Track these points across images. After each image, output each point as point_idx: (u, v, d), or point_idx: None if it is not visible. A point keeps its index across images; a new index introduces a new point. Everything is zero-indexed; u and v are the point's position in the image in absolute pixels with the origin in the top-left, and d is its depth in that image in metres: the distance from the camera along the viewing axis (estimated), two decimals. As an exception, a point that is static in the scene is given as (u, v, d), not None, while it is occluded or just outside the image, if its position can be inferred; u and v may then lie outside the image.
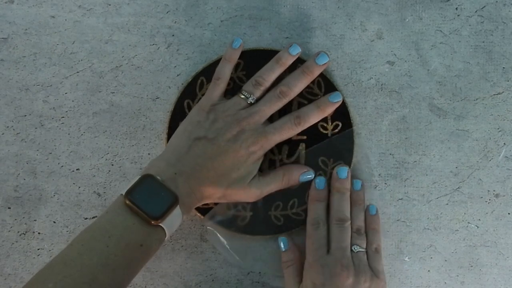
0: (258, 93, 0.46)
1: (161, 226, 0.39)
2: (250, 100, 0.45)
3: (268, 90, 0.47)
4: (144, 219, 0.39)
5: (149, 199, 0.39)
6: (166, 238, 0.41)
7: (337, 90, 0.49)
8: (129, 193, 0.39)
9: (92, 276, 0.36)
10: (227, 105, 0.45)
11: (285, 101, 0.46)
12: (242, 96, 0.45)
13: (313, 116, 0.47)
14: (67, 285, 0.35)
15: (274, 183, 0.46)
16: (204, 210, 0.49)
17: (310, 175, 0.48)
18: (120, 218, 0.39)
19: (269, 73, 0.46)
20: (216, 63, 0.49)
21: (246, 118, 0.44)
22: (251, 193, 0.45)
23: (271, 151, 0.49)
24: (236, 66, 0.49)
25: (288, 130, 0.45)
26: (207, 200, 0.45)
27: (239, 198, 0.45)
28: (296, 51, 0.47)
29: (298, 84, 0.46)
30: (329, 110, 0.47)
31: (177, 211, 0.40)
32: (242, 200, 0.46)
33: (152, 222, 0.39)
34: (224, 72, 0.47)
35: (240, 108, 0.45)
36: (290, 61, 0.47)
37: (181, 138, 0.44)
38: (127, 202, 0.39)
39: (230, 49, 0.47)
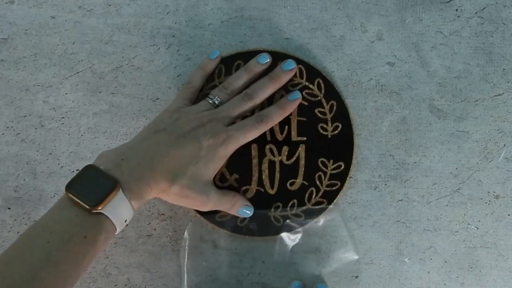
0: (223, 96, 0.46)
1: (105, 215, 0.38)
2: (215, 101, 0.46)
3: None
4: (84, 208, 0.38)
5: (88, 188, 0.38)
6: (118, 229, 0.39)
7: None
8: (69, 185, 0.38)
9: (33, 274, 0.35)
10: (192, 107, 0.45)
11: (250, 104, 0.46)
12: (209, 100, 0.46)
13: (275, 114, 0.46)
14: (6, 285, 0.35)
15: (225, 200, 0.46)
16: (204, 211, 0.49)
17: (249, 211, 0.48)
18: (63, 212, 0.38)
19: (236, 79, 0.47)
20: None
21: (207, 116, 0.44)
22: (206, 199, 0.44)
23: (271, 152, 0.49)
24: (237, 68, 0.49)
25: (250, 128, 0.45)
26: (164, 194, 0.42)
27: (193, 201, 0.44)
28: (264, 60, 0.48)
29: (264, 89, 0.46)
30: (289, 108, 0.47)
31: (119, 197, 0.38)
32: (194, 206, 0.45)
33: (93, 211, 0.38)
34: (196, 78, 0.48)
35: (204, 109, 0.45)
36: (258, 69, 0.48)
37: (141, 133, 0.44)
38: (68, 194, 0.38)
39: (206, 59, 0.49)
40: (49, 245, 0.36)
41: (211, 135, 0.43)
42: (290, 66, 0.47)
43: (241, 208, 0.47)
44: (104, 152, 0.42)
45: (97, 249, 0.38)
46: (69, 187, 0.38)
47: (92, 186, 0.38)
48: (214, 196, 0.45)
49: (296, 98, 0.47)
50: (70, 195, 0.38)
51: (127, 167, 0.40)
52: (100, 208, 0.38)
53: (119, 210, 0.39)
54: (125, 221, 0.40)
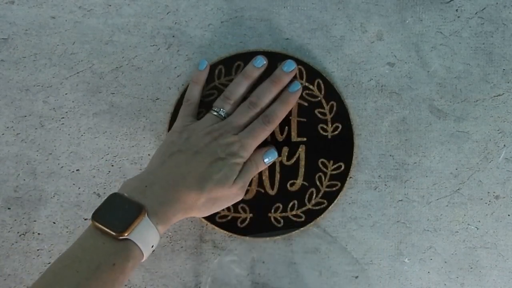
0: (227, 107, 0.46)
1: (132, 241, 0.38)
2: (221, 113, 0.46)
3: (240, 103, 0.47)
4: (111, 236, 0.38)
5: (113, 215, 0.38)
6: (145, 255, 0.39)
7: (297, 81, 0.49)
8: (95, 214, 0.39)
9: None
10: (199, 123, 0.46)
11: (256, 111, 0.46)
12: (214, 113, 0.46)
13: (279, 110, 0.46)
14: None
15: (251, 172, 0.46)
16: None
17: (271, 155, 0.47)
18: (90, 241, 0.38)
19: (236, 87, 0.47)
20: (216, 64, 0.49)
21: (217, 129, 0.44)
22: (236, 188, 0.44)
23: (271, 152, 0.49)
24: (237, 68, 0.49)
25: (260, 131, 0.45)
26: (193, 211, 0.43)
27: (225, 200, 0.44)
28: (260, 64, 0.47)
29: (267, 93, 0.47)
30: (292, 100, 0.47)
31: (145, 222, 0.38)
32: (229, 201, 0.45)
33: (120, 237, 0.37)
34: (193, 94, 0.48)
35: (213, 123, 0.45)
36: (256, 73, 0.47)
37: (156, 157, 0.44)
38: (94, 223, 0.38)
39: (196, 72, 0.48)
40: (78, 275, 0.36)
41: (226, 144, 0.43)
42: (291, 67, 0.47)
43: (264, 159, 0.47)
44: (127, 181, 0.42)
45: (125, 276, 0.38)
46: (95, 215, 0.39)
47: (117, 213, 0.38)
48: (241, 180, 0.45)
49: (297, 89, 0.47)
50: (96, 223, 0.38)
51: (151, 192, 0.40)
52: (126, 234, 0.38)
53: (146, 235, 0.39)
54: (152, 246, 0.40)
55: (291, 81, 0.48)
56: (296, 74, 0.49)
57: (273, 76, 0.47)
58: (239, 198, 0.46)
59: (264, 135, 0.46)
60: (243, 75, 0.47)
